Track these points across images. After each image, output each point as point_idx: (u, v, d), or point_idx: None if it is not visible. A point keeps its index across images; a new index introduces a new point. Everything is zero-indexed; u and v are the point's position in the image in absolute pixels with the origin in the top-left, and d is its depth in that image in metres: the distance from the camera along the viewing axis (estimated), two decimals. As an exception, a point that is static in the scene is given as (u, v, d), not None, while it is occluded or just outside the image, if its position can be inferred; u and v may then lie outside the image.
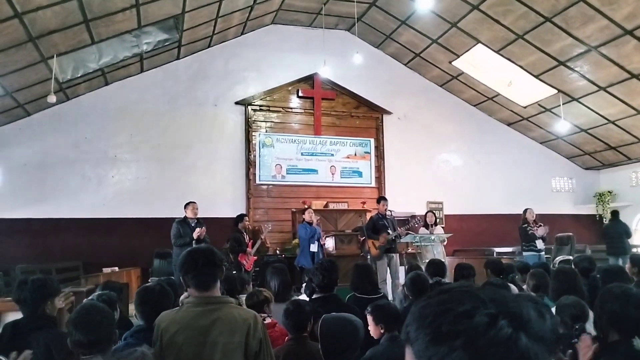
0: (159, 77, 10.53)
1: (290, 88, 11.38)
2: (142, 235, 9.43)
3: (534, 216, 8.60)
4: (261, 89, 11.13)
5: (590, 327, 2.53)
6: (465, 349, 0.62)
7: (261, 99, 11.17)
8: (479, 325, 0.63)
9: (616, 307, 2.04)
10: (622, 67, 9.25)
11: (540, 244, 8.28)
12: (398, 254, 8.24)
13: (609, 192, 12.82)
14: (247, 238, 7.97)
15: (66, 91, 9.41)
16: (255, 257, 8.06)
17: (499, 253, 10.68)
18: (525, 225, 8.48)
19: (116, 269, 8.55)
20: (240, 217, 8.18)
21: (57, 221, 9.42)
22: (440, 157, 12.33)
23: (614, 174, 12.84)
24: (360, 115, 11.86)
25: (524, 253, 8.44)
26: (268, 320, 3.41)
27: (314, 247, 7.72)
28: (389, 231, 7.96)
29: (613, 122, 10.95)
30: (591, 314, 2.60)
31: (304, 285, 4.97)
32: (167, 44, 9.42)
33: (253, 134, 10.99)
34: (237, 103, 10.96)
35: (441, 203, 11.90)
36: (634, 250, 9.00)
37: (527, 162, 12.77)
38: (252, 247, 7.97)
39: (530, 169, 12.74)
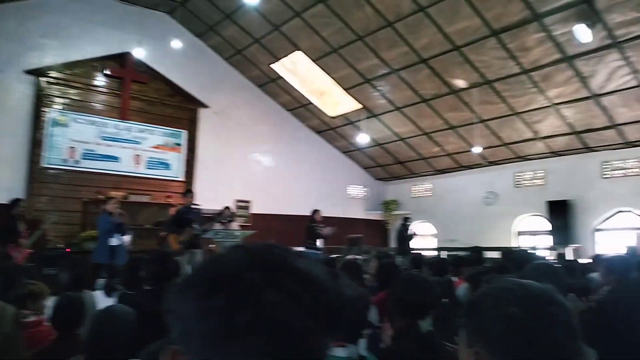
0: None
1: (96, 64, 10.24)
2: None
3: (320, 217, 9.30)
4: (60, 60, 9.79)
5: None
6: (194, 298, 0.52)
7: (59, 71, 9.80)
8: (218, 271, 0.53)
9: (401, 292, 2.10)
10: (415, 91, 10.57)
11: (319, 243, 8.96)
12: (201, 250, 7.99)
13: (393, 201, 14.57)
14: (22, 227, 6.82)
15: None
16: (31, 250, 6.95)
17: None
18: (314, 224, 9.09)
19: None
20: (15, 203, 7.00)
21: None
22: (252, 156, 12.46)
23: (399, 186, 14.67)
24: (174, 105, 11.29)
25: (307, 250, 9.02)
26: (32, 318, 2.92)
27: (114, 241, 6.99)
28: (195, 225, 7.68)
29: (403, 140, 12.47)
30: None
31: (102, 281, 4.46)
32: None
33: (44, 109, 9.56)
34: (27, 72, 9.44)
35: (249, 202, 12.02)
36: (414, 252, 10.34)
37: (330, 169, 13.76)
38: (28, 238, 6.87)
39: (332, 176, 13.75)
